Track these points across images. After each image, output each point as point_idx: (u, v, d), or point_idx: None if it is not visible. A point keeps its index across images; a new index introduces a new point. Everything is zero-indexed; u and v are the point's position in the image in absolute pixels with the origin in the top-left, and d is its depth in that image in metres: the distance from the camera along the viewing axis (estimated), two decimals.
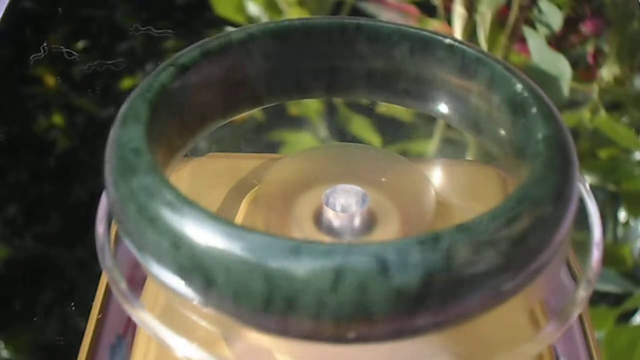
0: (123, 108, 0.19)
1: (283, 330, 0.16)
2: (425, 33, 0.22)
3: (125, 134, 0.18)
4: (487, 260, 0.16)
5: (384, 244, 0.15)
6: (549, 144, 0.18)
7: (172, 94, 0.20)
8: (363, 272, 0.15)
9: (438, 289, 0.15)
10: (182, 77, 0.20)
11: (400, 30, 0.22)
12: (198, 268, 0.16)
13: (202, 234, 0.16)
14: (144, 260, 0.17)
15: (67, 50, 0.41)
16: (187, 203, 0.16)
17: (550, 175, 0.17)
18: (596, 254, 0.20)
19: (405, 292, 0.15)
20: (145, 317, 0.18)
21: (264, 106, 0.22)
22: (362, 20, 0.22)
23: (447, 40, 0.21)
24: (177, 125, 0.20)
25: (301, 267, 0.15)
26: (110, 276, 0.19)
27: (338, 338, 0.16)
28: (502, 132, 0.21)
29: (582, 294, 0.19)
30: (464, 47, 0.21)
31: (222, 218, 0.16)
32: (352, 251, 0.15)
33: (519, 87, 0.20)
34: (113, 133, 0.18)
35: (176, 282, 0.16)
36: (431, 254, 0.15)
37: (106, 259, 0.19)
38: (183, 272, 0.16)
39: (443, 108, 0.22)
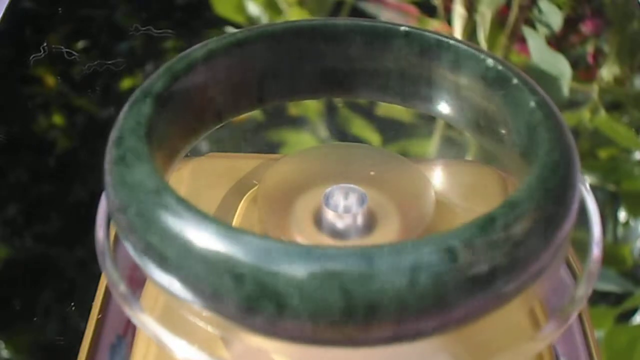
0: (118, 150, 0.18)
1: (365, 339, 0.16)
2: (379, 24, 0.22)
3: (136, 176, 0.17)
4: (539, 232, 0.16)
5: (448, 234, 0.16)
6: (543, 108, 0.19)
7: (157, 123, 0.19)
8: (437, 264, 0.15)
9: (504, 268, 0.16)
10: (160, 105, 0.19)
11: (353, 26, 0.22)
12: (267, 296, 0.15)
13: (267, 260, 0.15)
14: (196, 300, 0.16)
15: (67, 50, 0.41)
16: (240, 231, 0.16)
17: (560, 138, 0.18)
18: (596, 251, 0.20)
19: (477, 277, 0.16)
20: (144, 320, 0.18)
21: (226, 121, 0.22)
22: (317, 21, 0.22)
23: (403, 28, 0.21)
24: (168, 145, 0.20)
25: (378, 271, 0.15)
26: (109, 279, 0.19)
27: (419, 333, 0.16)
28: (475, 110, 0.21)
29: (582, 292, 0.19)
30: (423, 32, 0.21)
31: (279, 239, 0.16)
32: (421, 246, 0.15)
33: (489, 62, 0.20)
34: (120, 178, 0.17)
35: (241, 316, 0.16)
36: (493, 236, 0.16)
37: (106, 262, 0.19)
38: (249, 303, 0.16)
39: (406, 96, 0.22)
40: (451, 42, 0.21)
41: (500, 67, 0.20)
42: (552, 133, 0.18)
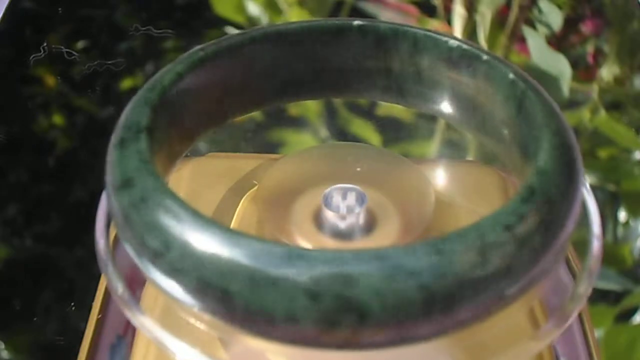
0: (134, 193, 0.17)
1: (444, 329, 0.16)
2: (330, 22, 0.22)
3: (170, 216, 0.16)
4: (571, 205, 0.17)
5: (503, 211, 0.16)
6: (523, 79, 0.19)
7: (154, 153, 0.19)
8: (502, 243, 0.16)
9: (552, 235, 0.17)
10: (152, 136, 0.19)
11: (303, 27, 0.22)
12: (347, 308, 0.15)
13: (342, 270, 0.15)
14: (262, 329, 0.16)
15: (67, 50, 0.41)
16: (304, 249, 0.16)
17: (550, 107, 0.19)
18: (596, 244, 0.20)
19: (532, 247, 0.16)
20: (145, 322, 0.18)
21: (193, 145, 0.22)
22: (268, 29, 0.22)
23: (356, 22, 0.22)
24: (165, 158, 0.20)
25: (451, 260, 0.15)
26: (109, 282, 0.19)
27: (495, 308, 0.16)
28: (447, 94, 0.21)
29: (582, 290, 0.19)
30: (378, 24, 0.21)
31: (338, 250, 0.15)
32: (484, 227, 0.16)
33: (452, 43, 0.21)
34: (149, 221, 0.17)
35: (317, 335, 0.16)
36: (541, 208, 0.17)
37: (107, 265, 0.19)
38: (328, 320, 0.15)
39: (361, 88, 0.23)
40: (408, 29, 0.21)
41: (465, 47, 0.20)
42: (540, 98, 0.19)
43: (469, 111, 0.21)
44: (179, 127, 0.21)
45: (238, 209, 0.24)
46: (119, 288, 0.19)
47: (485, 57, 0.20)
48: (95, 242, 0.20)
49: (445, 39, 0.21)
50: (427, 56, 0.21)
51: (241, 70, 0.22)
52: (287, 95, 0.23)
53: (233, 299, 0.16)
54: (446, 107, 0.22)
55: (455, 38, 0.21)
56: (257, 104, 0.23)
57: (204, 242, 0.16)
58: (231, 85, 0.22)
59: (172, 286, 0.16)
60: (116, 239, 0.19)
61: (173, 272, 0.16)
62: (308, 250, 0.16)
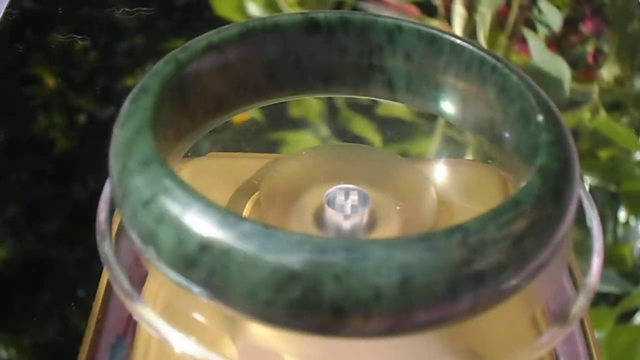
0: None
1: (439, 321, 0.16)
2: (357, 16, 0.23)
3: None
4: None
5: (497, 210, 0.17)
6: (527, 84, 0.20)
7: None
8: (496, 240, 0.16)
9: (547, 235, 0.17)
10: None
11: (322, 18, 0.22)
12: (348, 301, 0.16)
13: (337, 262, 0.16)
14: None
15: (67, 50, 0.41)
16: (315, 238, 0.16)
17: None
18: (596, 261, 0.20)
19: (526, 245, 0.17)
20: (146, 314, 0.18)
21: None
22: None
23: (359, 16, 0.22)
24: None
25: (443, 257, 0.16)
26: (111, 273, 0.19)
27: (491, 303, 0.17)
28: (445, 88, 0.22)
29: (582, 303, 0.19)
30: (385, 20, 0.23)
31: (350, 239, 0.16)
32: (478, 224, 0.17)
33: (464, 46, 0.21)
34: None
35: (323, 319, 0.16)
36: (534, 208, 0.17)
37: (107, 256, 0.19)
38: (336, 307, 0.16)
39: (363, 84, 0.23)
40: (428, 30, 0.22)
41: (476, 51, 0.21)
42: (540, 103, 0.19)
43: (471, 113, 0.21)
44: (188, 110, 0.21)
45: (241, 211, 0.24)
46: (121, 280, 0.19)
47: (493, 61, 0.20)
48: (97, 236, 0.20)
49: (457, 41, 0.21)
50: (440, 58, 0.21)
51: (252, 59, 0.22)
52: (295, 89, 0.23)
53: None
54: (449, 108, 0.22)
55: (467, 41, 0.21)
56: (265, 96, 0.23)
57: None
58: (240, 74, 0.22)
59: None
60: (118, 234, 0.19)
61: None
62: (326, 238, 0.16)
